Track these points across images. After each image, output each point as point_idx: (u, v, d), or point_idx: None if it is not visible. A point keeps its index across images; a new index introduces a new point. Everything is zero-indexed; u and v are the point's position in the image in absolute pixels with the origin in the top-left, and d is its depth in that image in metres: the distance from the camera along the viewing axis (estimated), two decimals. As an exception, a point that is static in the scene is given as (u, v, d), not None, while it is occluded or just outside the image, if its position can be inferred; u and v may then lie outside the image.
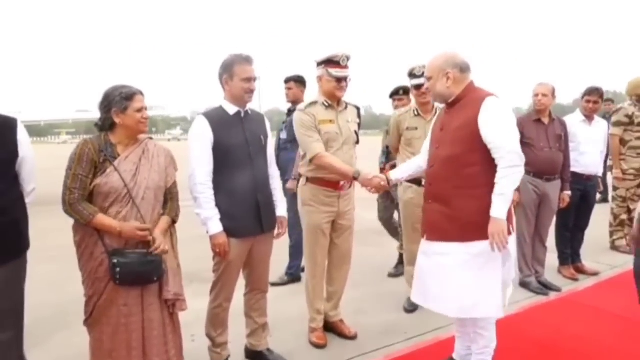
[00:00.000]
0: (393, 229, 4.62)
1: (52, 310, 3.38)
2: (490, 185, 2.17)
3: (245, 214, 2.50)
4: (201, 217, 2.44)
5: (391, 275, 4.40)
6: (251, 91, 2.50)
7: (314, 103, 2.94)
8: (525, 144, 3.75)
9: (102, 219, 2.07)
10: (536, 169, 3.78)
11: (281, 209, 2.75)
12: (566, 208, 4.03)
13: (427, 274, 2.39)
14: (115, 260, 2.07)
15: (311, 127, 2.84)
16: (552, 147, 3.79)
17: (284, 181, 3.94)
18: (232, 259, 2.49)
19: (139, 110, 2.17)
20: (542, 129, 3.82)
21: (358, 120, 3.15)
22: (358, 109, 3.21)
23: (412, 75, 3.37)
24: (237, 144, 2.48)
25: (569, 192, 3.99)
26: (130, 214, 2.13)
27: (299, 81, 4.33)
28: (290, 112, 4.31)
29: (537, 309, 3.60)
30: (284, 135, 4.27)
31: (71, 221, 2.15)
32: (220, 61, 2.53)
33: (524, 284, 3.98)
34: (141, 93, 2.21)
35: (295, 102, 4.25)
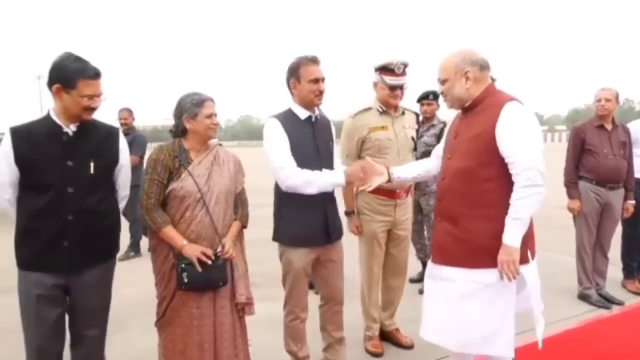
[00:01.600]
0: (420, 241, 4.35)
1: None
2: (506, 206, 1.89)
3: (313, 223, 2.43)
4: (322, 187, 2.32)
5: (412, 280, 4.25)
6: (320, 92, 2.41)
7: (367, 109, 2.93)
8: (587, 150, 3.66)
9: (170, 230, 2.13)
10: (599, 177, 3.64)
11: None
12: (631, 218, 3.85)
13: (431, 301, 2.14)
14: (182, 265, 2.12)
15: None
16: (616, 154, 3.63)
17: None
18: (297, 268, 2.46)
19: (209, 116, 2.22)
20: (605, 136, 3.67)
21: (416, 127, 3.11)
22: (417, 115, 3.17)
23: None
24: (307, 151, 2.40)
25: (633, 202, 3.81)
26: (203, 218, 2.18)
27: None
28: None
29: (600, 323, 3.45)
30: None
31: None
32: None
33: (583, 297, 3.83)
34: (211, 100, 2.26)
35: None
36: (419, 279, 4.16)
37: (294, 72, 2.42)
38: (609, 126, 3.70)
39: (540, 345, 2.09)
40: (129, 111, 5.47)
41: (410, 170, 2.47)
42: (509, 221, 1.88)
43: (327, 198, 2.47)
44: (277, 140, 2.35)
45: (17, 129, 1.99)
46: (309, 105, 2.44)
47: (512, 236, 1.87)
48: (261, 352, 2.69)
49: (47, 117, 2.02)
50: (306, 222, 2.43)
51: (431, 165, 2.40)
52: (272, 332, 2.82)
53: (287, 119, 2.42)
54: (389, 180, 2.42)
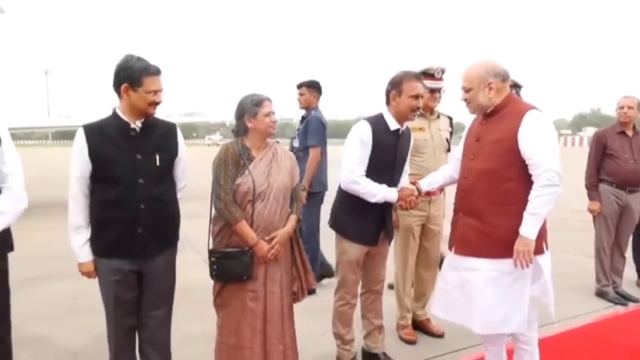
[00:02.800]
0: None
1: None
2: (526, 202, 2.10)
3: (371, 224, 2.65)
4: (378, 200, 2.54)
5: None
6: (417, 108, 2.60)
7: None
8: (609, 155, 3.85)
9: (244, 226, 2.32)
10: (619, 180, 3.83)
11: None
12: (646, 220, 4.04)
13: (452, 288, 2.33)
14: (213, 259, 2.35)
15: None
16: (637, 159, 3.82)
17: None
18: (350, 258, 2.68)
19: (268, 114, 2.39)
20: (626, 141, 3.86)
21: (450, 129, 3.31)
22: (450, 118, 3.36)
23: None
24: (387, 159, 2.60)
25: (651, 204, 4.00)
26: (262, 212, 2.36)
27: (312, 86, 4.11)
28: (303, 118, 4.13)
29: (618, 318, 3.65)
30: (296, 144, 4.08)
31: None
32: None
33: (600, 294, 4.02)
34: (269, 99, 2.44)
35: (307, 107, 4.08)
36: None
37: (396, 85, 2.57)
38: (629, 132, 3.89)
39: (556, 324, 2.33)
40: None
41: (435, 180, 2.67)
42: (527, 216, 2.08)
43: (385, 204, 2.64)
44: (360, 145, 2.55)
45: (90, 126, 2.16)
46: (402, 118, 2.61)
47: (529, 229, 2.08)
48: (302, 337, 2.88)
49: (115, 115, 2.18)
50: (364, 223, 2.65)
51: (453, 169, 2.57)
52: (308, 320, 3.02)
53: (379, 127, 2.59)
54: (419, 194, 2.63)
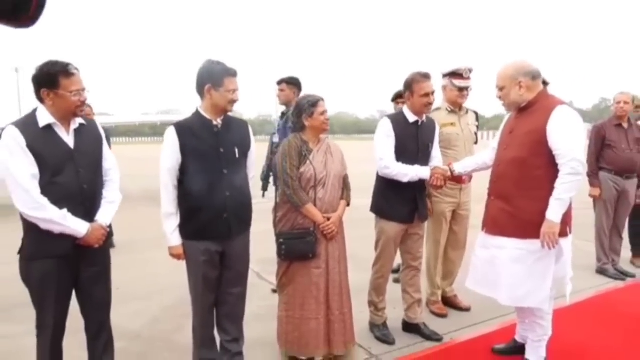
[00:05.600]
0: None
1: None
2: (552, 189, 2.29)
3: (405, 204, 3.00)
4: (412, 178, 2.90)
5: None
6: (430, 104, 2.96)
7: (437, 109, 3.47)
8: (607, 145, 4.27)
9: (312, 207, 2.62)
10: (617, 168, 4.27)
11: None
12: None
13: (484, 264, 2.59)
14: (281, 240, 2.65)
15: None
16: (632, 148, 4.26)
17: (277, 186, 3.96)
18: (388, 236, 3.04)
19: (322, 113, 2.70)
20: (622, 133, 4.30)
21: (477, 123, 3.68)
22: (476, 113, 3.72)
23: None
24: (410, 148, 2.97)
25: (645, 189, 4.45)
26: (324, 197, 2.67)
27: (291, 83, 4.13)
28: (283, 114, 4.18)
29: (619, 292, 4.08)
30: (276, 139, 4.12)
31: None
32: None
33: (601, 271, 4.46)
34: (323, 99, 2.74)
35: (287, 104, 4.09)
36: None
37: (408, 87, 2.97)
38: (625, 124, 4.33)
39: (568, 300, 2.61)
40: (90, 107, 5.34)
41: (469, 165, 3.01)
42: (552, 201, 2.30)
43: (417, 187, 3.01)
44: (385, 137, 2.97)
45: (180, 124, 2.43)
46: (419, 113, 3.01)
47: (554, 213, 2.30)
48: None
49: (197, 114, 2.45)
50: (398, 203, 3.01)
51: (488, 157, 2.85)
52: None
53: (398, 120, 3.01)
54: (452, 175, 2.98)
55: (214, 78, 2.38)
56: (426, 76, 2.95)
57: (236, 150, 2.50)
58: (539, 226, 2.33)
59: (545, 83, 2.64)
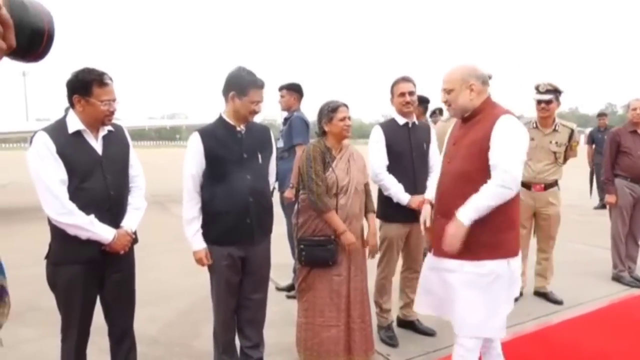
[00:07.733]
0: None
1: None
2: (501, 206, 2.05)
3: (404, 206, 3.01)
4: (393, 197, 3.02)
5: None
6: (407, 104, 3.03)
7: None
8: (622, 152, 4.26)
9: (334, 215, 2.61)
10: (633, 175, 4.24)
11: None
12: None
13: (437, 287, 2.28)
14: (301, 246, 2.64)
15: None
16: (648, 155, 4.24)
17: (281, 192, 3.96)
18: (390, 237, 3.10)
19: (342, 119, 2.68)
20: (638, 139, 4.28)
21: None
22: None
23: (536, 90, 3.74)
24: (402, 150, 3.06)
25: (661, 196, 4.41)
26: (345, 204, 2.66)
27: (292, 89, 4.17)
28: (286, 120, 4.19)
29: (636, 299, 4.04)
30: (280, 144, 4.04)
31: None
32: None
33: (617, 278, 4.42)
34: (345, 105, 2.73)
35: (288, 109, 4.16)
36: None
37: (391, 89, 3.12)
38: (640, 131, 4.31)
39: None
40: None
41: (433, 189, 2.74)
42: (469, 202, 2.05)
43: (417, 188, 3.04)
44: (374, 143, 3.10)
45: (204, 130, 2.45)
46: (402, 114, 3.10)
47: (465, 215, 2.05)
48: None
49: (221, 119, 2.47)
50: (397, 205, 3.05)
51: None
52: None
53: (388, 125, 3.15)
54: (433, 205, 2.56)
55: (240, 86, 2.39)
56: (405, 78, 3.08)
57: (259, 156, 2.51)
58: (488, 246, 2.11)
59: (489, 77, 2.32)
